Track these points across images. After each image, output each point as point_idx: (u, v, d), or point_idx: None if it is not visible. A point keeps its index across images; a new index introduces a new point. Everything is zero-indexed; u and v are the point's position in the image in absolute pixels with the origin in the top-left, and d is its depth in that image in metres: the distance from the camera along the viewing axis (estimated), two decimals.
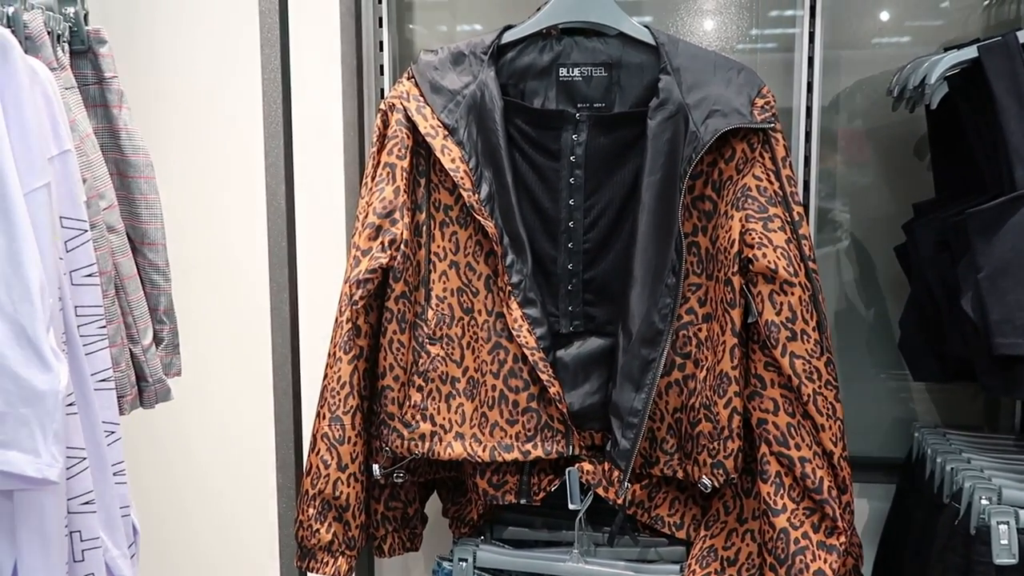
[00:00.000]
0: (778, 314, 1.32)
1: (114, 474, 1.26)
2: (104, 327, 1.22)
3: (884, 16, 1.81)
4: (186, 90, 1.91)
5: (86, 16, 1.29)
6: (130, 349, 1.32)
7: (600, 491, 1.43)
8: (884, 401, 1.89)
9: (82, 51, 1.29)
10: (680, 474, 1.41)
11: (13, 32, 1.11)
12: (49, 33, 1.21)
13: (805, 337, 1.33)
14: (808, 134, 1.70)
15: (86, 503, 1.21)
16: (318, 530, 1.44)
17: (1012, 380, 1.33)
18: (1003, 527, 1.33)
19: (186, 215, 1.78)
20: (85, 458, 1.19)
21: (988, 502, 1.36)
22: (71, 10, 1.28)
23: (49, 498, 1.16)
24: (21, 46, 1.10)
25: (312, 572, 1.47)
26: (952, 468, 1.49)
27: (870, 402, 1.87)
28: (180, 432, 2.00)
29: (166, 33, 1.91)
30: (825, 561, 1.32)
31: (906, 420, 1.86)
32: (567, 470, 1.44)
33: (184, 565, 2.07)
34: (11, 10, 1.17)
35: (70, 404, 1.15)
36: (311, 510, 1.44)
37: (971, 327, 1.35)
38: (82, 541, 1.22)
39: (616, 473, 1.41)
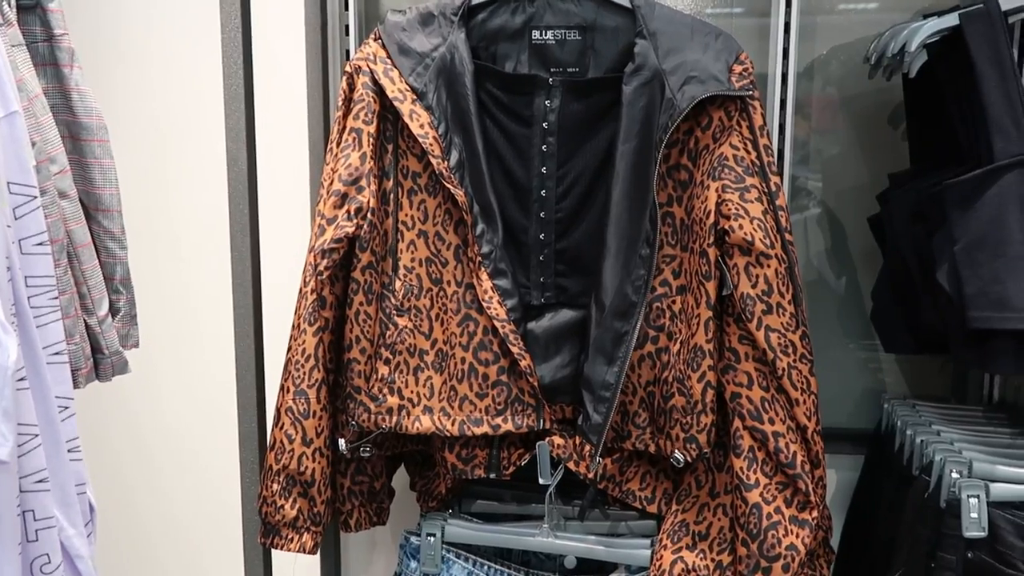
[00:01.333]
0: (754, 287, 1.30)
1: (68, 451, 1.22)
2: (56, 298, 1.17)
3: None
4: (142, 49, 1.84)
5: None
6: (85, 320, 1.27)
7: (571, 465, 1.41)
8: (853, 372, 1.89)
9: (30, 6, 1.22)
10: (652, 448, 1.39)
11: None
12: None
13: (781, 310, 1.31)
14: (783, 101, 1.67)
15: (39, 481, 1.17)
16: (282, 506, 1.40)
17: (986, 354, 1.32)
18: (973, 500, 1.33)
19: (143, 180, 1.72)
20: (37, 435, 1.15)
21: (958, 475, 1.36)
22: None
23: (0, 477, 1.11)
24: None
25: (277, 548, 1.44)
26: (922, 440, 1.48)
27: (839, 372, 1.87)
28: (137, 407, 1.94)
29: None
30: (797, 536, 1.31)
31: (875, 391, 1.86)
32: (537, 444, 1.42)
33: (148, 541, 2.03)
34: None
35: (21, 379, 1.11)
36: (275, 485, 1.40)
37: (946, 300, 1.33)
38: (35, 520, 1.18)
39: (587, 447, 1.38)
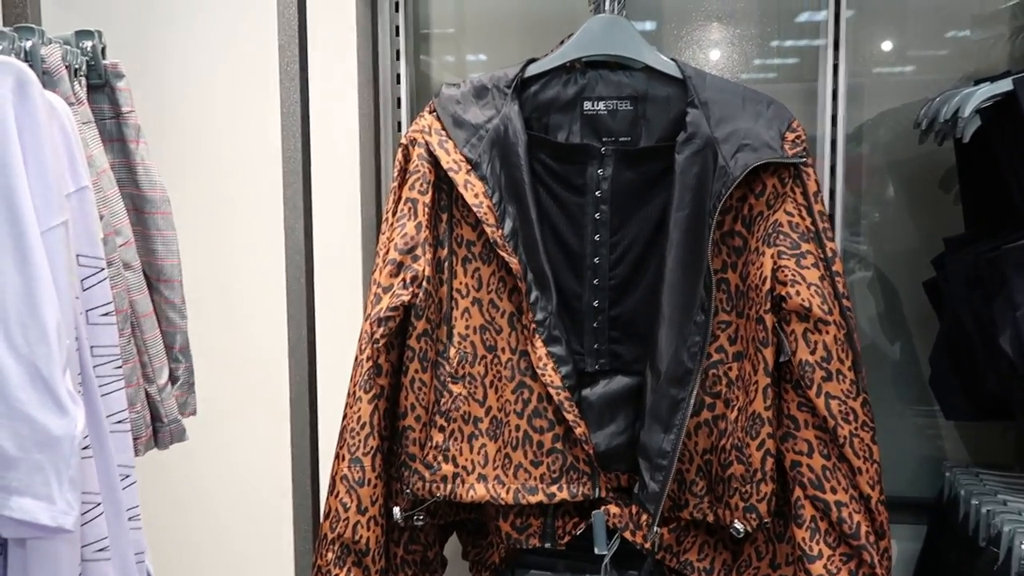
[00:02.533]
0: (812, 353, 1.29)
1: (129, 519, 1.22)
2: (120, 367, 1.19)
3: (904, 48, 1.78)
4: (203, 125, 1.89)
5: (103, 50, 1.26)
6: (145, 389, 1.29)
7: (627, 535, 1.39)
8: (911, 439, 1.85)
9: (99, 85, 1.27)
10: (710, 518, 1.37)
11: (31, 67, 1.09)
12: (67, 67, 1.18)
13: (840, 377, 1.29)
14: (833, 167, 1.68)
15: (100, 550, 1.17)
16: (337, 575, 1.39)
17: None
18: None
19: (202, 251, 1.75)
20: (100, 503, 1.16)
21: None
22: (88, 44, 1.26)
23: (63, 546, 1.12)
24: (39, 81, 1.08)
25: None
26: (989, 511, 1.45)
27: (897, 440, 1.83)
28: (195, 473, 1.95)
29: (182, 67, 1.89)
30: None
31: (935, 458, 1.82)
32: (593, 513, 1.40)
33: None
34: (29, 44, 1.15)
35: (85, 447, 1.12)
36: (330, 555, 1.40)
37: (1008, 365, 1.31)
38: None
39: (644, 517, 1.36)
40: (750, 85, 1.40)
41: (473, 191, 1.35)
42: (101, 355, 1.17)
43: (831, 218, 1.68)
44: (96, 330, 1.16)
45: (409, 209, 1.37)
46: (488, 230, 1.34)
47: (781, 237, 1.31)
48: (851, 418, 1.29)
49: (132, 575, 1.23)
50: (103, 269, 1.16)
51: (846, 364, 1.30)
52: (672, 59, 1.39)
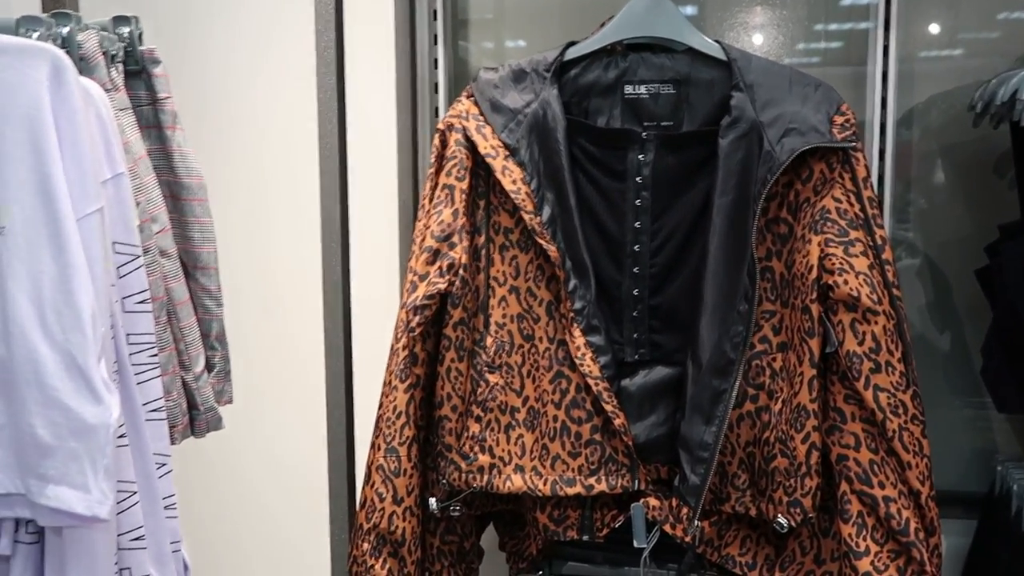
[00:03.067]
0: (860, 344, 1.25)
1: (165, 507, 1.22)
2: (156, 355, 1.19)
3: (955, 30, 1.73)
4: (240, 111, 1.88)
5: (140, 36, 1.26)
6: (182, 377, 1.29)
7: (667, 528, 1.36)
8: (962, 431, 1.80)
9: (136, 71, 1.26)
10: (753, 511, 1.34)
11: (68, 53, 1.08)
12: (104, 54, 1.18)
13: (890, 369, 1.25)
14: (882, 152, 1.63)
15: (136, 539, 1.17)
16: (372, 566, 1.38)
17: None
18: None
19: (239, 238, 1.75)
20: (135, 492, 1.16)
21: None
22: (125, 30, 1.25)
23: (99, 535, 1.12)
24: (75, 67, 1.07)
25: None
26: None
27: (947, 432, 1.79)
28: (231, 461, 1.96)
29: (220, 53, 1.88)
30: None
31: (986, 451, 1.77)
32: (632, 506, 1.38)
33: None
34: (65, 31, 1.14)
35: (121, 436, 1.12)
36: (366, 545, 1.39)
37: None
38: None
39: (685, 510, 1.34)
40: (806, 70, 1.36)
41: (511, 177, 1.33)
42: (137, 343, 1.16)
43: (880, 204, 1.64)
44: (132, 318, 1.16)
45: (446, 195, 1.35)
46: (526, 217, 1.32)
47: (829, 224, 1.26)
48: (900, 411, 1.25)
49: (168, 564, 1.23)
50: (139, 256, 1.15)
51: (895, 355, 1.26)
52: (716, 41, 1.35)
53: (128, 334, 1.15)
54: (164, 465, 1.22)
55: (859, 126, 1.61)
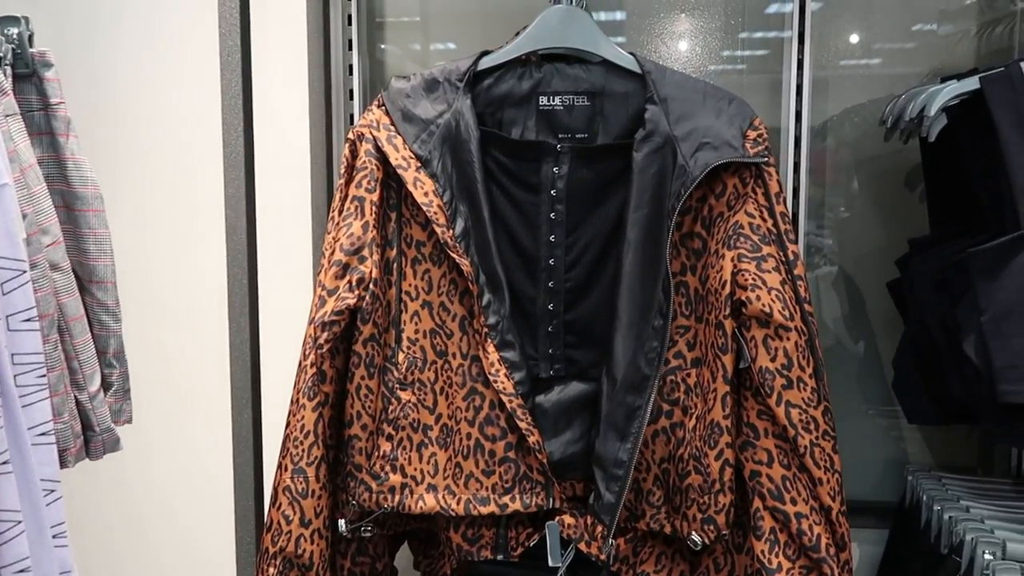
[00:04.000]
0: (773, 360, 1.24)
1: (53, 536, 1.16)
2: (44, 376, 1.12)
3: (871, 41, 1.75)
4: (140, 116, 1.80)
5: (31, 38, 1.19)
6: (75, 396, 1.22)
7: (582, 546, 1.34)
8: (874, 441, 1.83)
9: (26, 75, 1.20)
10: (668, 529, 1.33)
11: None
12: None
13: (801, 385, 1.25)
14: (797, 164, 1.64)
15: (21, 571, 1.11)
16: None
17: (1017, 429, 1.26)
18: None
19: (139, 250, 1.68)
20: (20, 521, 1.10)
21: (992, 557, 1.30)
22: (14, 31, 1.19)
23: None
24: None
25: None
26: (951, 517, 1.42)
27: (859, 442, 1.81)
28: (132, 484, 1.88)
29: (118, 57, 1.80)
30: None
31: (897, 461, 1.80)
32: (547, 524, 1.35)
33: None
34: None
35: (4, 463, 1.06)
36: (271, 569, 1.33)
37: (973, 371, 1.28)
38: None
39: (599, 528, 1.32)
40: (718, 77, 1.35)
41: (423, 189, 1.29)
42: (23, 363, 1.10)
43: (795, 216, 1.65)
44: (17, 337, 1.10)
45: (356, 208, 1.31)
46: (438, 230, 1.29)
47: (742, 239, 1.26)
48: (812, 427, 1.25)
49: None
50: (25, 272, 1.09)
51: (807, 371, 1.26)
52: (631, 54, 1.34)
53: (13, 354, 1.09)
54: (53, 492, 1.16)
55: (774, 136, 1.63)
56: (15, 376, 1.09)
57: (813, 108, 1.68)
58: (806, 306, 1.27)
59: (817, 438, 1.25)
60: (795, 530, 1.25)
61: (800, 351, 1.25)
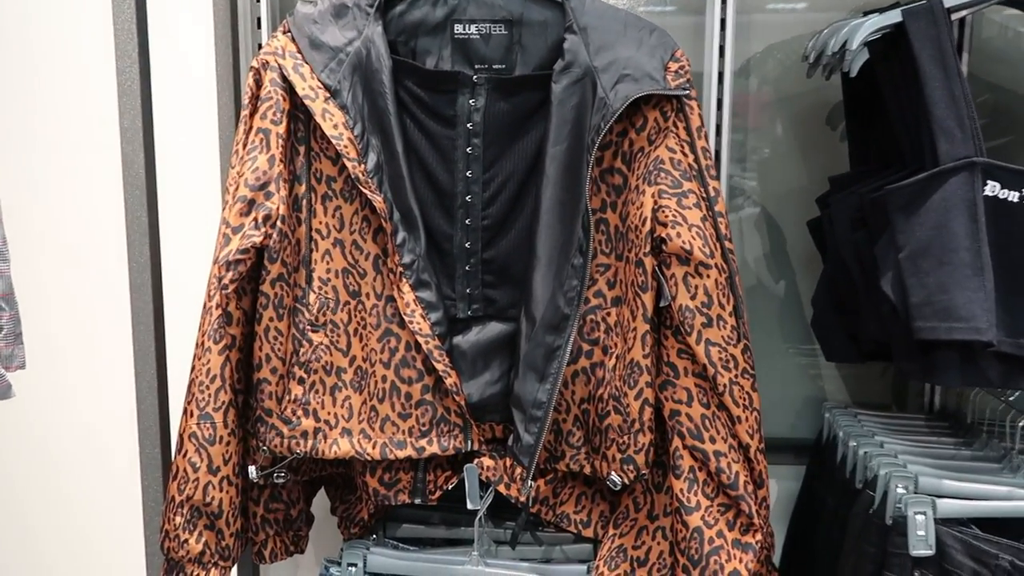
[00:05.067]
0: (693, 298, 1.23)
1: None
2: None
3: None
4: (25, 40, 1.67)
5: None
6: None
7: (501, 488, 1.33)
8: (793, 379, 1.84)
9: None
10: (587, 469, 1.32)
11: None
12: None
13: (721, 323, 1.23)
14: (720, 101, 1.61)
15: None
16: (187, 540, 1.29)
17: (931, 365, 1.27)
18: (920, 517, 1.28)
19: (28, 186, 1.57)
20: None
21: (904, 491, 1.31)
22: None
23: None
24: None
25: None
26: (865, 453, 1.44)
27: (778, 380, 1.82)
28: (28, 432, 1.79)
29: None
30: (740, 560, 1.25)
31: (815, 399, 1.82)
32: (465, 467, 1.33)
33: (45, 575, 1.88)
34: None
35: None
36: (178, 518, 1.29)
37: (889, 309, 1.28)
38: None
39: (519, 469, 1.30)
40: (646, 16, 1.30)
41: (332, 121, 1.23)
42: None
43: (717, 155, 1.63)
44: None
45: (261, 140, 1.24)
46: (349, 165, 1.23)
47: (662, 175, 1.23)
48: (731, 365, 1.24)
49: None
50: None
51: (727, 309, 1.24)
52: None
53: None
54: None
55: (698, 76, 1.59)
56: None
57: (737, 49, 1.65)
58: (727, 243, 1.25)
59: (736, 376, 1.25)
60: (714, 468, 1.25)
61: (720, 289, 1.24)
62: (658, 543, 1.32)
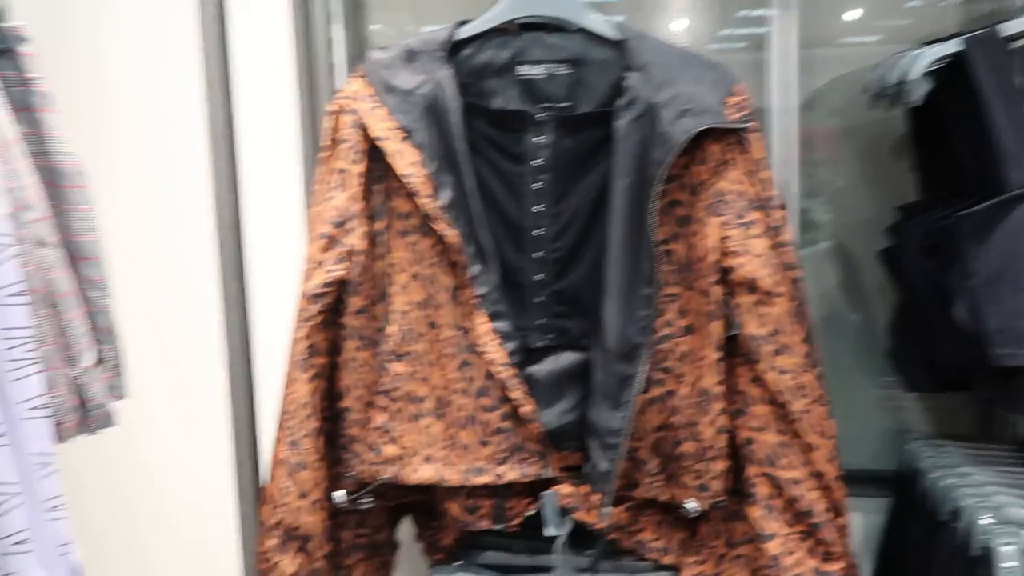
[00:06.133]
0: (762, 327, 1.24)
1: (51, 509, 1.17)
2: (34, 350, 1.13)
3: (856, 14, 1.74)
4: (123, 93, 1.79)
5: (6, 13, 1.19)
6: (68, 372, 1.23)
7: (579, 515, 1.35)
8: (873, 411, 1.82)
9: (2, 50, 1.20)
10: (664, 497, 1.33)
11: None
12: None
13: (791, 350, 1.24)
14: (786, 134, 1.63)
15: (18, 543, 1.12)
16: (279, 562, 1.35)
17: (1012, 393, 1.26)
18: (1007, 548, 1.26)
19: (127, 227, 1.67)
20: (17, 493, 1.11)
21: (990, 521, 1.29)
22: None
23: None
24: None
25: None
26: (948, 484, 1.41)
27: (859, 412, 1.80)
28: (130, 459, 1.89)
29: (97, 32, 1.79)
30: None
31: (898, 430, 1.79)
32: (542, 494, 1.36)
33: None
34: None
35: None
36: (271, 541, 1.35)
37: (965, 336, 1.27)
38: None
39: (596, 497, 1.32)
40: (712, 54, 1.34)
41: (407, 160, 1.29)
42: (12, 338, 1.11)
43: (786, 187, 1.64)
44: (6, 311, 1.11)
45: (340, 180, 1.31)
46: (424, 201, 1.29)
47: (726, 206, 1.25)
48: (804, 393, 1.25)
49: (56, 568, 1.19)
50: (11, 246, 1.10)
51: (797, 337, 1.25)
52: (611, 20, 1.33)
53: (2, 328, 1.10)
54: (48, 465, 1.17)
55: (762, 109, 1.62)
56: (4, 351, 1.10)
57: (802, 83, 1.67)
58: (794, 271, 1.27)
59: (809, 403, 1.25)
60: (790, 496, 1.25)
61: (789, 316, 1.25)
62: (738, 570, 1.32)
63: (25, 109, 1.22)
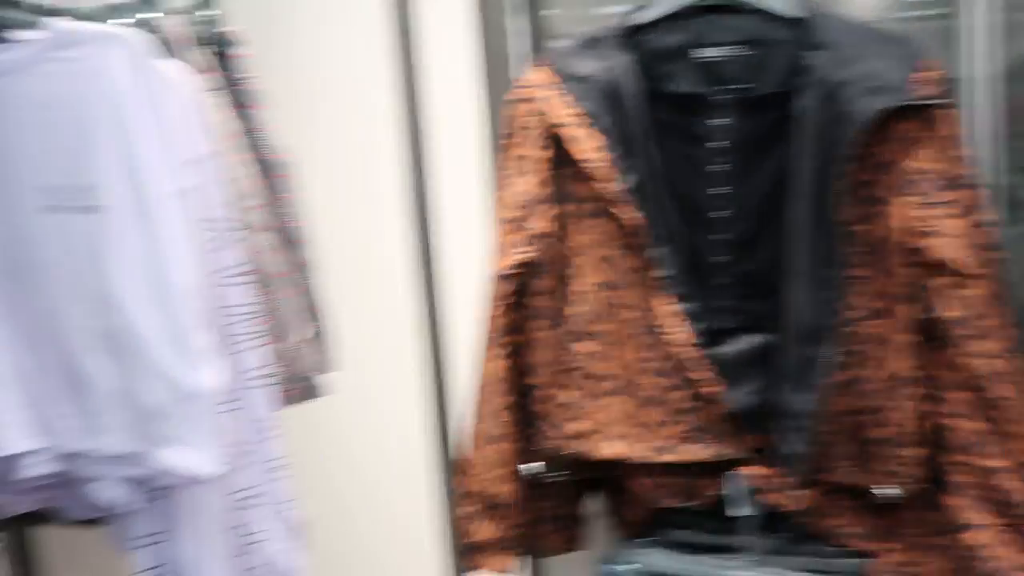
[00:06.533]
0: (957, 310, 1.19)
1: (275, 469, 1.29)
2: (255, 325, 1.26)
3: None
4: (326, 89, 1.88)
5: (224, 19, 1.31)
6: (280, 347, 1.35)
7: (768, 497, 1.34)
8: None
9: (221, 53, 1.33)
10: (855, 481, 1.30)
11: (154, 37, 1.15)
12: (188, 36, 1.25)
13: (988, 335, 1.19)
14: (990, 105, 1.52)
15: (247, 498, 1.25)
16: (477, 529, 1.43)
17: None
18: None
19: (329, 214, 1.77)
20: (246, 453, 1.23)
21: None
22: (209, 13, 1.32)
23: (210, 494, 1.20)
24: (161, 50, 1.14)
25: (475, 569, 1.47)
26: None
27: None
28: (335, 429, 2.00)
29: (301, 35, 1.92)
30: None
31: None
32: (726, 474, 1.36)
33: (347, 561, 2.10)
34: (150, 15, 1.21)
35: (228, 401, 1.19)
36: (472, 507, 1.43)
37: None
38: (245, 535, 1.26)
39: (783, 479, 1.31)
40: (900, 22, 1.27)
41: (591, 145, 1.32)
42: (236, 314, 1.24)
43: (990, 161, 1.54)
44: (229, 290, 1.23)
45: (524, 166, 1.36)
46: (608, 185, 1.31)
47: (914, 185, 1.20)
48: (1002, 379, 1.19)
49: (280, 521, 1.31)
50: (232, 232, 1.22)
51: (995, 321, 1.19)
52: None
53: (226, 305, 1.23)
54: (272, 429, 1.29)
55: (960, 80, 1.52)
56: (228, 325, 1.22)
57: (1006, 48, 1.55)
58: (993, 252, 1.20)
59: (1009, 390, 1.19)
60: (991, 485, 1.20)
61: (987, 299, 1.19)
62: (934, 560, 1.29)
63: (239, 106, 1.34)
